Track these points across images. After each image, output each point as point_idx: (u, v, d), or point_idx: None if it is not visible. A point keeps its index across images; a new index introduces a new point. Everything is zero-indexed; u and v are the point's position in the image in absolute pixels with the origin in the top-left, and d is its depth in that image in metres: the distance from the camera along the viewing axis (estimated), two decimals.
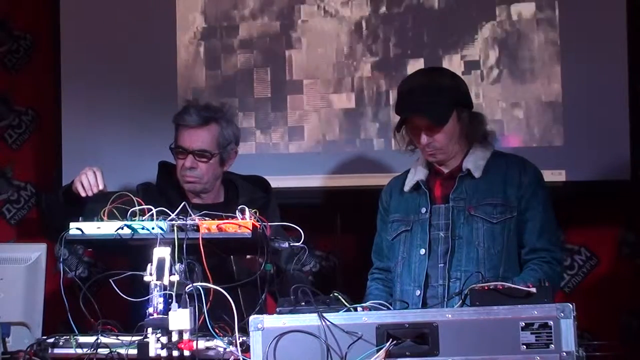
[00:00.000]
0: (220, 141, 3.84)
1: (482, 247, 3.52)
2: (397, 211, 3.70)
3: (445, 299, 3.42)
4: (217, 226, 3.03)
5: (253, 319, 2.83)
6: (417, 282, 3.56)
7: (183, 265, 3.00)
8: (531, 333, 2.71)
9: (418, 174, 3.67)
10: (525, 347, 2.71)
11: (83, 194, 3.61)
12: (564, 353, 2.69)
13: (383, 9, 4.65)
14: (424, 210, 3.61)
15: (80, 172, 3.67)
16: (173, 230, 3.02)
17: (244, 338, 2.88)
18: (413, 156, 3.75)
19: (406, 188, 3.68)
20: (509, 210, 3.55)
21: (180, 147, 3.84)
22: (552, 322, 2.70)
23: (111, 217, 3.14)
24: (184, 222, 3.03)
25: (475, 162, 3.60)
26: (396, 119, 3.68)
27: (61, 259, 3.24)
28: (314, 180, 4.66)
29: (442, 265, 3.54)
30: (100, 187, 3.60)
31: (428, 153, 3.60)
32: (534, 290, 2.79)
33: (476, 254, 3.52)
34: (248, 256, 3.50)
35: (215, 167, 3.85)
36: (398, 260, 3.65)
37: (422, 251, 3.57)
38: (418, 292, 3.55)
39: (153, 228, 3.02)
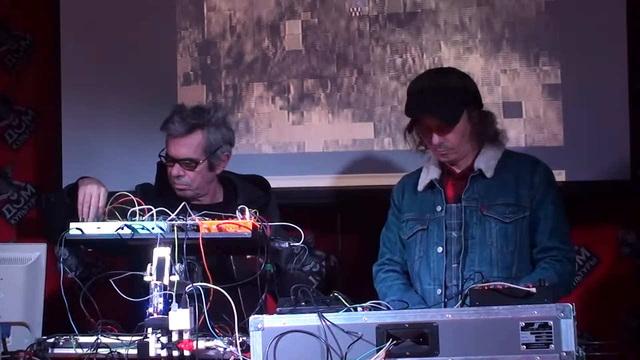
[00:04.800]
0: (206, 147, 3.81)
1: (496, 247, 3.52)
2: (411, 210, 3.69)
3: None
4: (217, 226, 3.03)
5: (253, 319, 2.83)
6: (437, 280, 3.56)
7: (183, 265, 3.00)
8: (531, 333, 2.71)
9: (431, 173, 3.66)
10: (525, 347, 2.71)
11: (79, 215, 3.60)
12: (564, 353, 2.69)
13: (389, 11, 4.66)
14: (439, 208, 3.60)
15: (87, 187, 3.64)
16: (173, 230, 3.02)
17: (244, 338, 2.88)
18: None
19: (420, 187, 3.68)
20: (522, 210, 3.55)
21: (167, 155, 3.84)
22: (552, 322, 2.71)
23: (111, 217, 3.14)
24: (184, 222, 3.03)
25: (486, 162, 3.60)
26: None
27: (61, 259, 3.24)
28: (314, 180, 4.65)
29: (455, 265, 3.54)
30: (92, 216, 3.58)
31: (440, 153, 3.60)
32: (533, 290, 2.80)
33: (489, 254, 3.52)
34: (248, 256, 3.50)
35: (203, 174, 3.83)
36: (415, 259, 3.64)
37: (440, 249, 3.57)
38: (439, 291, 3.54)
39: (153, 228, 3.03)
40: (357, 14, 4.67)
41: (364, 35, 4.66)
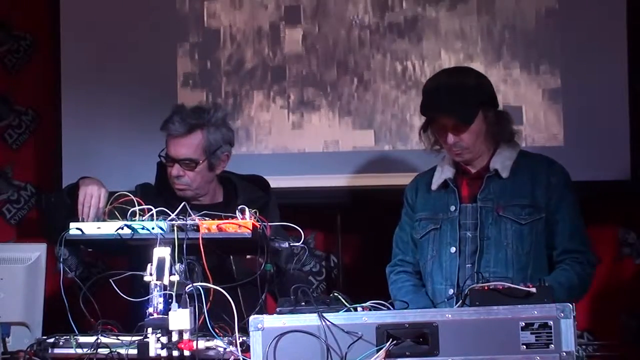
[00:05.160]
0: (206, 147, 3.81)
1: (511, 248, 3.51)
2: (425, 209, 3.67)
3: None
4: (217, 226, 3.03)
5: (253, 319, 2.83)
6: (449, 280, 3.53)
7: (183, 265, 3.00)
8: (531, 333, 2.71)
9: (445, 173, 3.65)
10: (525, 347, 2.71)
11: (79, 215, 3.60)
12: (564, 353, 2.69)
13: (390, 20, 4.65)
14: (453, 208, 3.59)
15: (87, 187, 3.63)
16: (173, 230, 3.02)
17: (244, 338, 2.88)
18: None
19: (434, 187, 3.67)
20: (537, 211, 3.54)
21: (167, 156, 3.84)
22: (552, 322, 2.71)
23: (111, 217, 3.14)
24: (184, 222, 3.03)
25: (502, 162, 3.59)
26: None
27: (61, 259, 3.24)
28: (314, 180, 4.65)
29: (469, 265, 3.53)
30: (92, 216, 3.58)
31: (455, 153, 3.59)
32: (533, 290, 2.80)
33: (505, 255, 3.51)
34: (248, 256, 3.51)
35: (203, 174, 3.83)
36: (427, 259, 3.63)
37: (453, 249, 3.56)
38: (451, 291, 3.52)
39: (153, 228, 3.03)
40: (357, 22, 4.66)
41: (365, 44, 4.65)
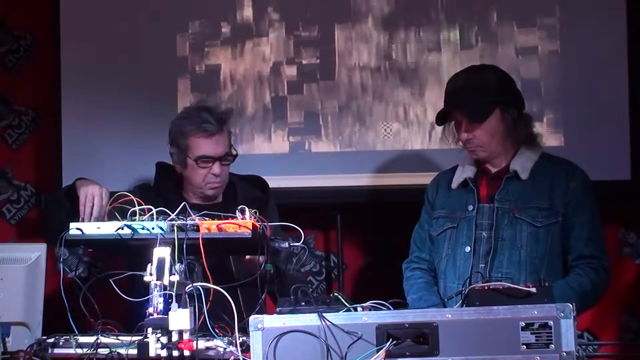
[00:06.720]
0: (232, 142, 3.87)
1: (525, 251, 3.51)
2: (444, 207, 3.68)
3: None
4: (217, 226, 3.03)
5: (253, 319, 2.83)
6: (462, 279, 3.51)
7: (183, 265, 3.00)
8: (531, 333, 2.71)
9: (466, 172, 3.65)
10: (525, 347, 2.71)
11: (82, 216, 3.59)
12: (564, 353, 2.69)
13: (392, 66, 4.64)
14: (471, 207, 3.60)
15: (88, 187, 3.63)
16: (173, 230, 3.02)
17: (244, 338, 2.89)
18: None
19: (454, 185, 3.67)
20: (554, 214, 3.53)
21: (206, 156, 3.82)
22: (552, 322, 2.71)
23: (111, 217, 3.14)
24: (184, 222, 3.03)
25: (522, 163, 3.58)
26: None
27: (61, 259, 3.24)
28: (314, 180, 4.65)
29: (482, 265, 3.53)
30: (95, 215, 3.57)
31: (469, 149, 3.60)
32: (534, 290, 2.80)
33: (518, 257, 3.51)
34: (247, 256, 3.51)
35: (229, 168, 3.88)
36: (442, 257, 3.63)
37: (467, 249, 3.56)
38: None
39: (153, 228, 3.03)
40: (359, 64, 4.64)
41: (367, 89, 4.62)
